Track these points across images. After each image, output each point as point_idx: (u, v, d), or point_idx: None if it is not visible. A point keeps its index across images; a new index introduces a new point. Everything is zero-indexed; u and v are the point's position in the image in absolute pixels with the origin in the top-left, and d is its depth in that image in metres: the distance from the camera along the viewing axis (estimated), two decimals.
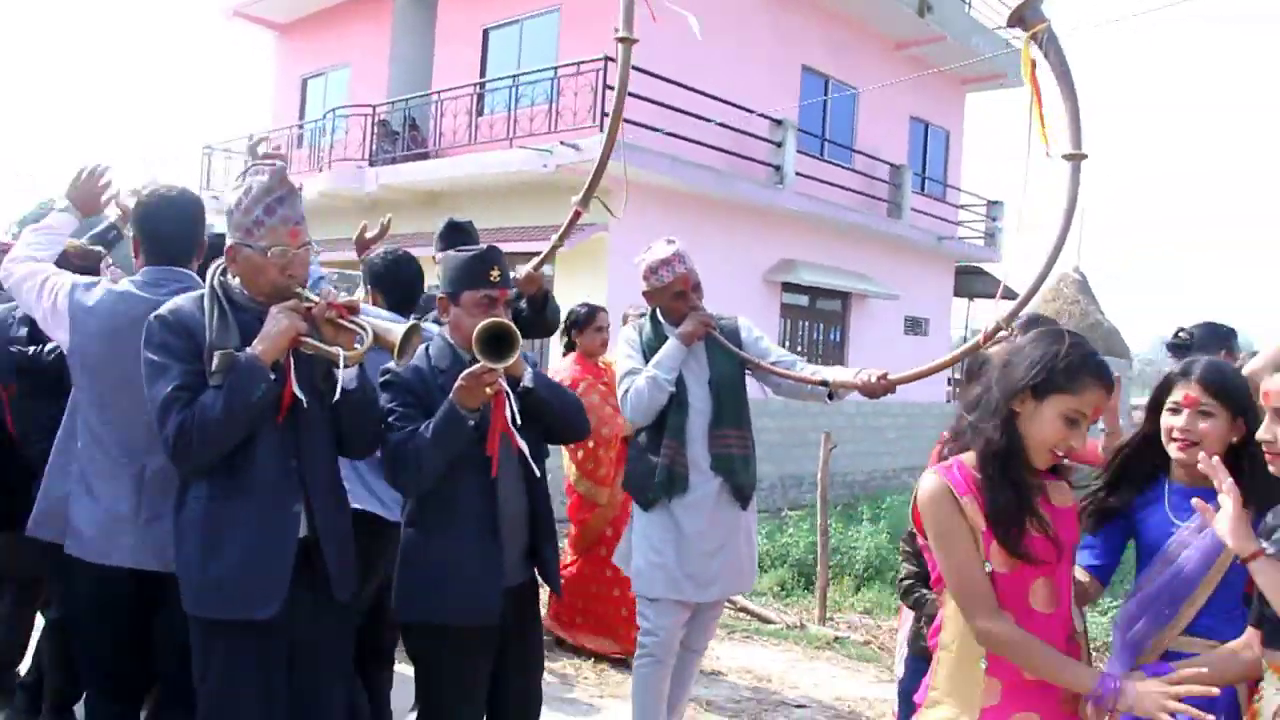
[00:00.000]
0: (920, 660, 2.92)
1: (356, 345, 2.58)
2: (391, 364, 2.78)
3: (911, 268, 18.76)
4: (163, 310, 2.61)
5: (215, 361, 2.48)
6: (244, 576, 2.55)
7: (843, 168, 16.77)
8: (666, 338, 3.79)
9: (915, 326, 19.42)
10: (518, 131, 13.38)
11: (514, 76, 13.96)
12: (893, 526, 9.52)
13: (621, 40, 3.77)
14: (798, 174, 15.17)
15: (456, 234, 4.31)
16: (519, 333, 2.74)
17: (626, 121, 12.43)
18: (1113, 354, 21.22)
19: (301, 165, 17.47)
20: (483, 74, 15.29)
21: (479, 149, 14.06)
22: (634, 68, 13.04)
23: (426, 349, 2.99)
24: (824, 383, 3.63)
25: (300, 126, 18.72)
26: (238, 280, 2.67)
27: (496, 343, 2.71)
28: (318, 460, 2.72)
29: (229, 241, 2.64)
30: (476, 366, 2.73)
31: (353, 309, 2.60)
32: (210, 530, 2.57)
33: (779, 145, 14.97)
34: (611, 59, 12.39)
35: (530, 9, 14.77)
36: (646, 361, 3.77)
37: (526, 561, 3.07)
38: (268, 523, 2.59)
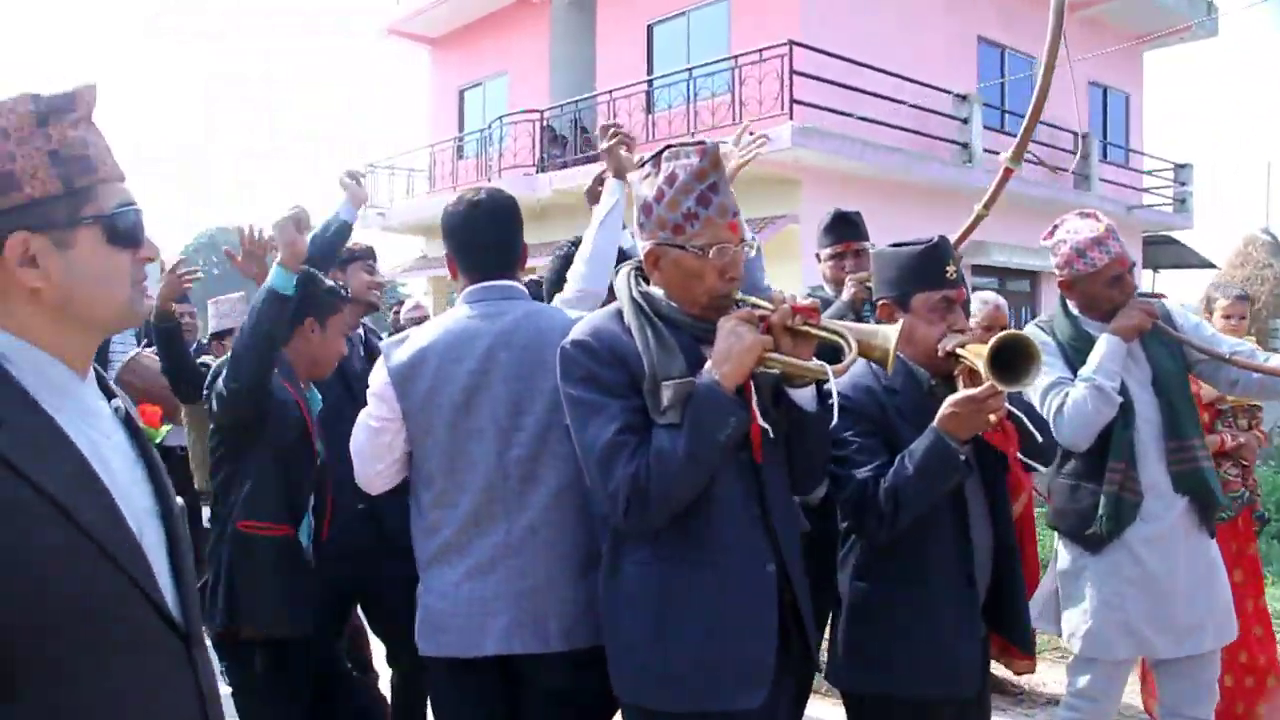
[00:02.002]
0: None
1: (811, 363, 2.08)
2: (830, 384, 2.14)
3: None
4: (580, 334, 2.15)
5: (667, 395, 2.01)
6: (718, 658, 2.08)
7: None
8: (1089, 334, 3.17)
9: None
10: (698, 125, 12.98)
11: (689, 69, 13.55)
12: None
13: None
14: (985, 150, 14.41)
15: (846, 226, 3.91)
16: (1035, 346, 2.24)
17: (809, 106, 12.13)
18: None
19: (468, 176, 17.50)
20: (649, 70, 14.98)
21: (654, 147, 13.67)
22: (812, 49, 12.39)
23: (869, 365, 2.53)
24: None
25: (460, 138, 18.76)
26: (661, 291, 2.18)
27: (1013, 359, 2.22)
28: (781, 504, 2.23)
29: (644, 243, 2.17)
30: (980, 389, 2.26)
31: (815, 311, 2.10)
32: (664, 603, 2.09)
33: (965, 122, 14.24)
34: (797, 43, 11.93)
35: (697, 0, 14.38)
36: (1070, 368, 3.17)
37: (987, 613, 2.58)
38: (741, 588, 2.11)
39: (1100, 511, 3.06)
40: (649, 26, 15.23)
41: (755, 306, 2.11)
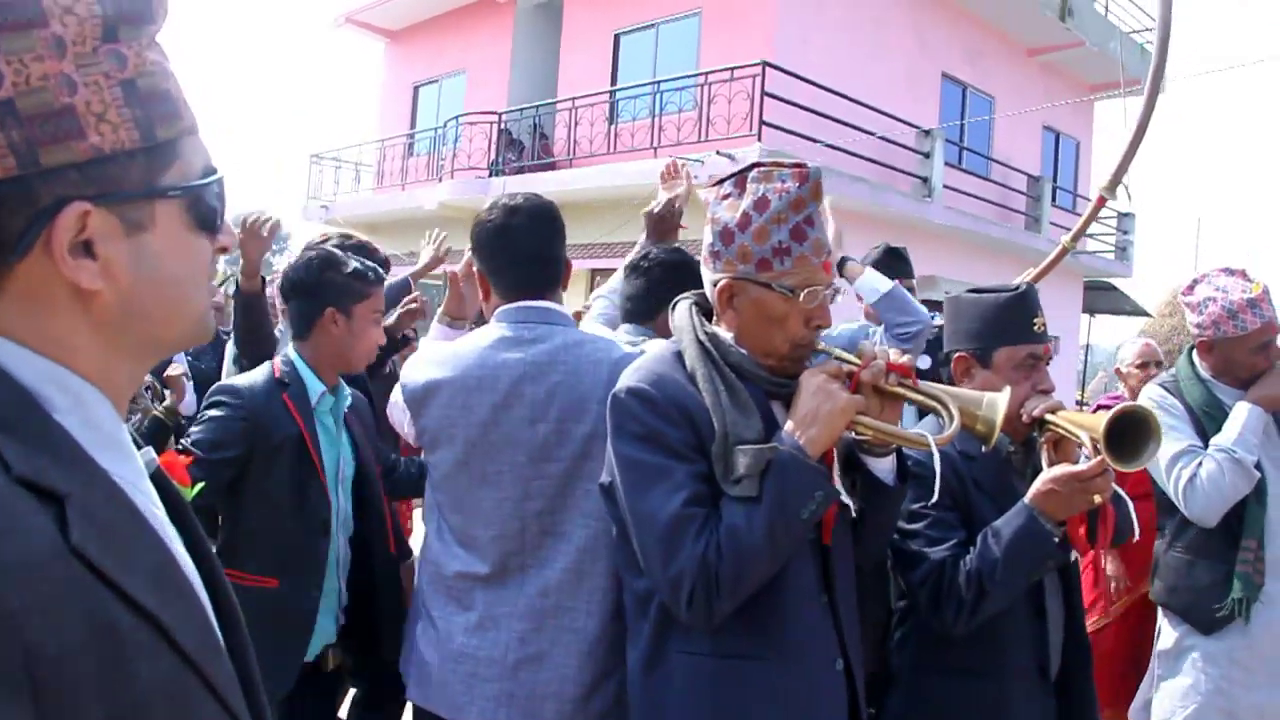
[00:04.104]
0: None
1: (909, 431, 1.81)
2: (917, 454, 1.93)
3: (1044, 284, 17.79)
4: (637, 381, 1.80)
5: (743, 462, 1.69)
6: None
7: (981, 179, 16.02)
8: (1221, 401, 2.99)
9: None
10: (662, 141, 12.76)
11: (656, 83, 13.33)
12: None
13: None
14: (945, 186, 14.44)
15: (898, 261, 3.69)
16: (1156, 421, 1.96)
17: (777, 129, 11.97)
18: None
19: (418, 174, 17.10)
20: (614, 80, 14.74)
21: (615, 159, 13.48)
22: (786, 72, 12.32)
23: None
24: None
25: (412, 135, 18.32)
26: (729, 333, 1.86)
27: (1129, 434, 1.94)
28: (848, 591, 1.91)
29: (717, 275, 1.83)
30: (1088, 466, 1.99)
31: (910, 370, 1.83)
32: (720, 703, 1.75)
33: (926, 156, 14.23)
34: (771, 65, 11.78)
35: (667, 12, 14.19)
36: (1201, 435, 2.97)
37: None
38: (812, 690, 1.79)
39: (1235, 593, 2.87)
40: (616, 36, 14.98)
41: (845, 361, 1.82)
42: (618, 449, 1.79)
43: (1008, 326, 2.28)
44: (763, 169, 1.83)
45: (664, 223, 2.99)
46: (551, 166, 14.76)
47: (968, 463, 2.24)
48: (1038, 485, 2.06)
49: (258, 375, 2.65)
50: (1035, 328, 2.28)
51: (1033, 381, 2.26)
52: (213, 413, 2.55)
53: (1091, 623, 4.19)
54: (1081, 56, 17.16)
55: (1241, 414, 2.91)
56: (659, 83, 13.32)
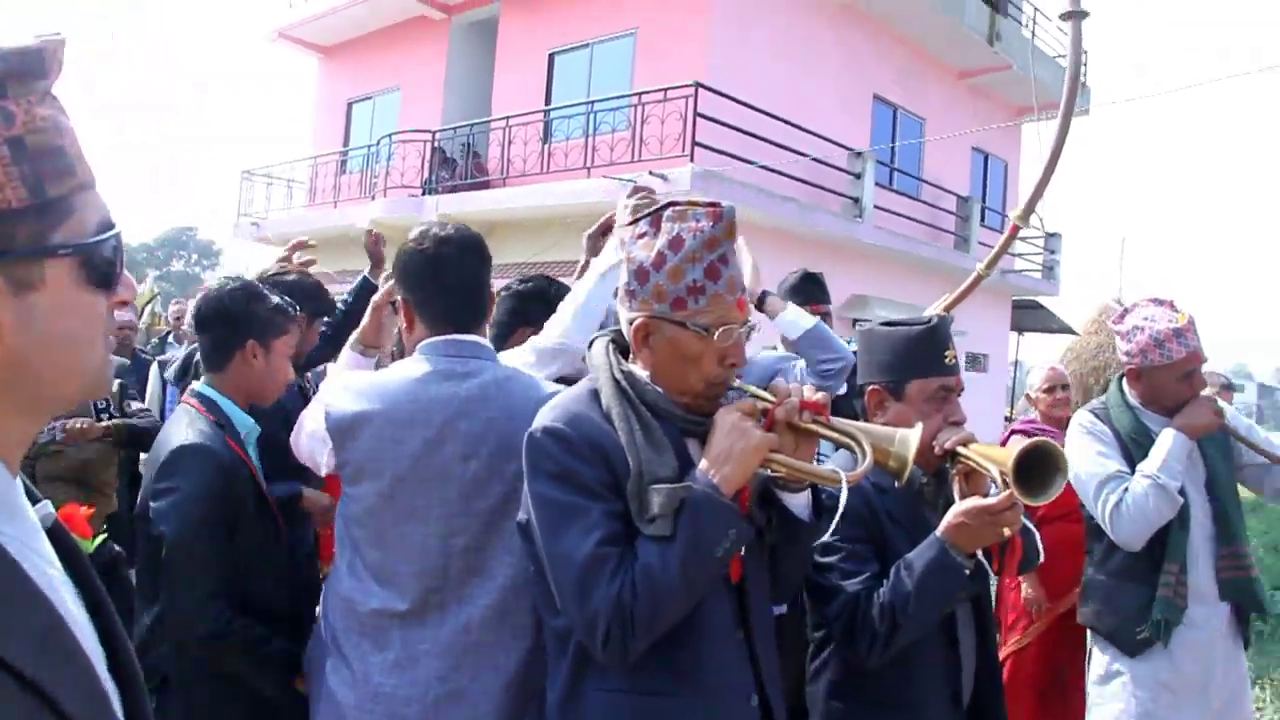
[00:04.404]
0: None
1: (823, 468, 1.82)
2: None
3: (973, 302, 18.17)
4: (553, 420, 1.78)
5: (657, 501, 1.68)
6: None
7: (912, 199, 16.27)
8: (1149, 428, 3.06)
9: (975, 362, 18.85)
10: (596, 160, 12.78)
11: (590, 102, 13.36)
12: None
13: (1069, 16, 3.13)
14: (875, 207, 14.64)
15: (815, 287, 3.71)
16: (1064, 457, 2.00)
17: (709, 150, 12.05)
18: None
19: (351, 192, 16.95)
20: (548, 100, 14.74)
21: (549, 178, 13.47)
22: (718, 93, 12.43)
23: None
24: None
25: (345, 152, 18.15)
26: (645, 371, 1.85)
27: (1037, 468, 1.98)
28: (763, 626, 1.91)
29: (633, 314, 1.83)
30: (997, 500, 2.02)
31: (824, 407, 1.82)
32: None
33: (857, 177, 14.41)
34: (704, 86, 11.86)
35: (602, 33, 14.24)
36: (1128, 461, 3.04)
37: None
38: None
39: (1155, 615, 2.94)
40: (550, 55, 14.99)
41: (759, 399, 1.82)
42: (533, 488, 1.78)
43: (919, 359, 2.30)
44: (677, 208, 1.83)
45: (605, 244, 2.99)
46: (485, 185, 14.72)
47: (881, 495, 2.26)
48: (949, 518, 2.09)
49: (202, 425, 2.51)
50: (947, 360, 2.30)
51: (944, 413, 2.28)
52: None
53: (1014, 643, 4.26)
54: (1009, 80, 17.50)
55: (1167, 441, 2.98)
56: (593, 103, 13.35)
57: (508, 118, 14.32)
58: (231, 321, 2.63)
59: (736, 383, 1.85)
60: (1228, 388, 4.67)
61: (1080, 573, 3.32)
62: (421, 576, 2.08)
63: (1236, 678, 3.06)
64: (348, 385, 2.22)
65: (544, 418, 1.81)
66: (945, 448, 2.21)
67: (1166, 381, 3.06)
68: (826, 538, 2.06)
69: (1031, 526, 2.24)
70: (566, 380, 2.29)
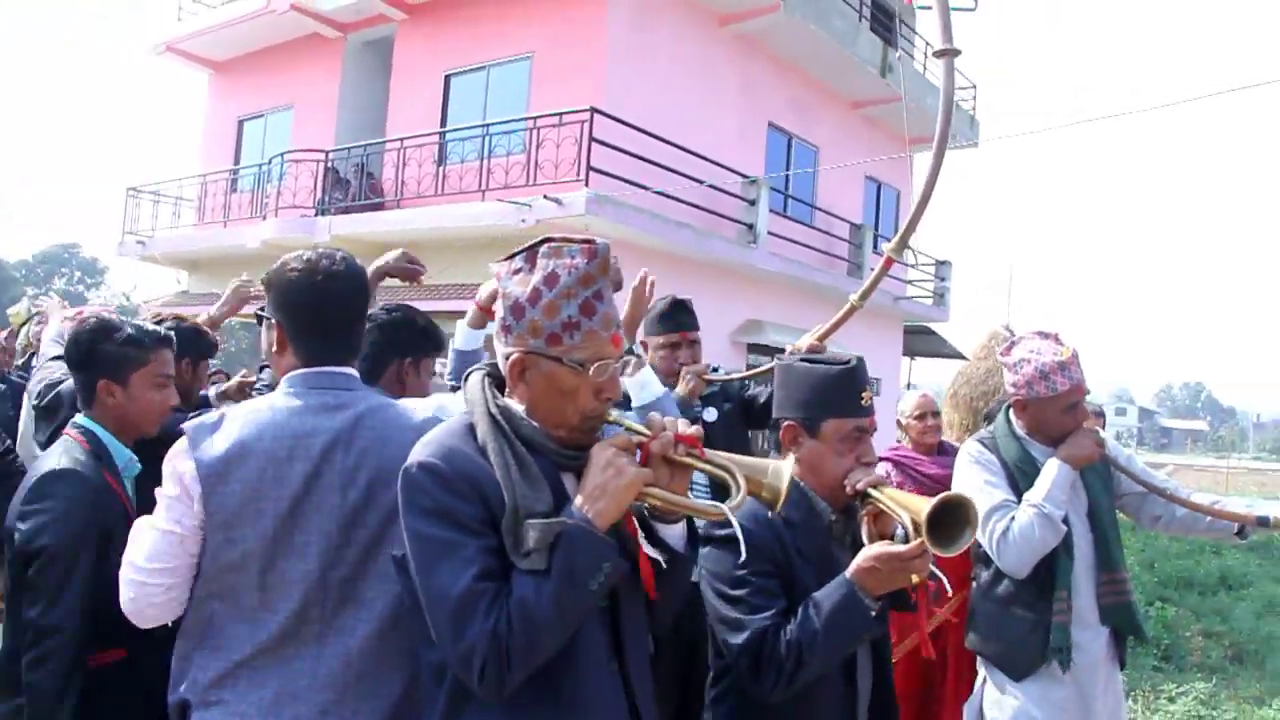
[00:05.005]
0: None
1: (702, 502, 1.84)
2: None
3: (866, 327, 18.56)
4: (428, 455, 1.77)
5: (532, 536, 1.69)
6: None
7: (806, 226, 16.54)
8: (1034, 458, 3.15)
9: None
10: (491, 183, 12.70)
11: (485, 125, 13.29)
12: None
13: (942, 54, 3.19)
14: (769, 233, 14.84)
15: (683, 314, 3.70)
16: (975, 510, 2.07)
17: (605, 174, 12.08)
18: None
19: (241, 211, 16.56)
20: (444, 122, 14.62)
21: (444, 200, 13.35)
22: (613, 118, 12.47)
23: None
24: (1261, 518, 3.05)
25: (236, 171, 17.74)
26: (520, 406, 1.86)
27: (948, 519, 2.04)
28: (639, 656, 1.93)
29: (509, 349, 1.83)
30: (907, 547, 2.07)
31: (698, 441, 1.84)
32: None
33: (752, 204, 14.60)
34: (599, 111, 11.89)
35: (498, 55, 14.19)
36: (1014, 490, 3.13)
37: None
38: None
39: (1054, 643, 3.02)
40: (447, 76, 14.87)
41: (635, 433, 1.83)
42: (409, 524, 1.76)
43: (836, 399, 2.33)
44: (553, 244, 1.83)
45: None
46: (379, 207, 14.51)
47: (790, 530, 2.28)
48: (859, 561, 2.12)
49: (77, 454, 2.51)
50: (863, 401, 2.34)
51: (857, 454, 2.32)
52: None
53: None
54: (901, 111, 17.88)
55: (1051, 471, 3.08)
56: (489, 125, 13.28)
57: (403, 139, 14.17)
58: (83, 363, 2.65)
59: (612, 416, 1.87)
60: (1099, 415, 4.83)
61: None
62: (299, 612, 2.01)
63: (1115, 695, 3.18)
64: (211, 426, 2.09)
65: (419, 453, 1.80)
66: (857, 488, 2.25)
67: (1051, 413, 3.16)
68: (736, 571, 2.17)
69: (939, 572, 2.28)
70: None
